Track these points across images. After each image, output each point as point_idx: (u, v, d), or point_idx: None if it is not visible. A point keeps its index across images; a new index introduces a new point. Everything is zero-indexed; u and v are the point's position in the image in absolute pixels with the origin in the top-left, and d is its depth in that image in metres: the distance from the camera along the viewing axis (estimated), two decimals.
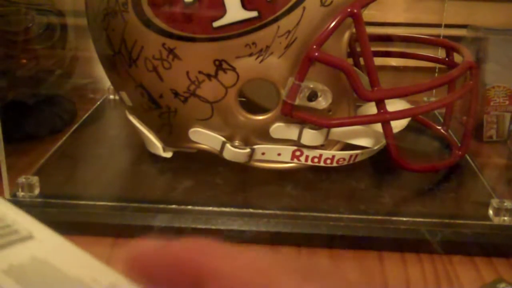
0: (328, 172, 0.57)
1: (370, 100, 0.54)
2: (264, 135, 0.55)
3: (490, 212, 0.52)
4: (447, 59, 0.65)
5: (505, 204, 0.52)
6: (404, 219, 0.52)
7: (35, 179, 0.53)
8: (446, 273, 0.48)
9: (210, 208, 0.52)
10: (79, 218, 0.51)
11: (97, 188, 0.56)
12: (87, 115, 0.73)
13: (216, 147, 0.55)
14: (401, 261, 0.50)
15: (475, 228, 0.51)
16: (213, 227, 0.50)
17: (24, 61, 0.68)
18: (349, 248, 0.50)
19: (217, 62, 0.51)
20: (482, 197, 0.55)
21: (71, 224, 0.50)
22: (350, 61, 0.67)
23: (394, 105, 0.56)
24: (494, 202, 0.52)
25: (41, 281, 0.20)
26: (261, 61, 0.50)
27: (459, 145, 0.62)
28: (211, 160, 0.57)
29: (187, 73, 0.51)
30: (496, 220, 0.52)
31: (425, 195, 0.57)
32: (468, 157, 0.62)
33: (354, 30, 0.52)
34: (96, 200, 0.53)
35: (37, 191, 0.53)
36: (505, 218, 0.52)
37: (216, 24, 0.49)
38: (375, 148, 0.57)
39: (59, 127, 0.70)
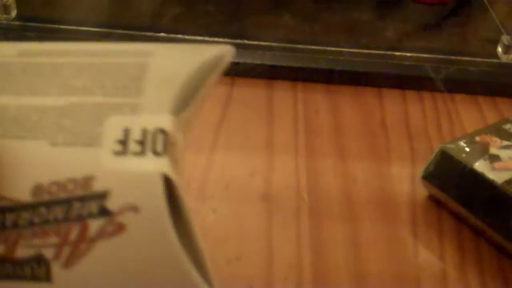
0: (329, 1, 0.53)
1: None
2: None
3: (499, 49, 0.50)
4: None
5: None
6: (408, 54, 0.49)
7: (11, 0, 0.49)
8: (447, 111, 0.46)
9: (202, 38, 0.49)
10: None
11: (79, 12, 0.52)
12: None
13: None
14: (401, 98, 0.48)
15: (482, 66, 0.49)
16: None
17: None
18: (348, 83, 0.48)
19: None
20: (491, 34, 0.52)
21: None
22: None
23: None
24: (504, 39, 0.49)
25: None
26: None
27: None
28: None
29: None
30: (505, 58, 0.49)
31: (431, 30, 0.53)
32: None
33: None
34: (78, 25, 0.49)
35: (14, 13, 0.49)
36: None
37: None
38: None
39: None
